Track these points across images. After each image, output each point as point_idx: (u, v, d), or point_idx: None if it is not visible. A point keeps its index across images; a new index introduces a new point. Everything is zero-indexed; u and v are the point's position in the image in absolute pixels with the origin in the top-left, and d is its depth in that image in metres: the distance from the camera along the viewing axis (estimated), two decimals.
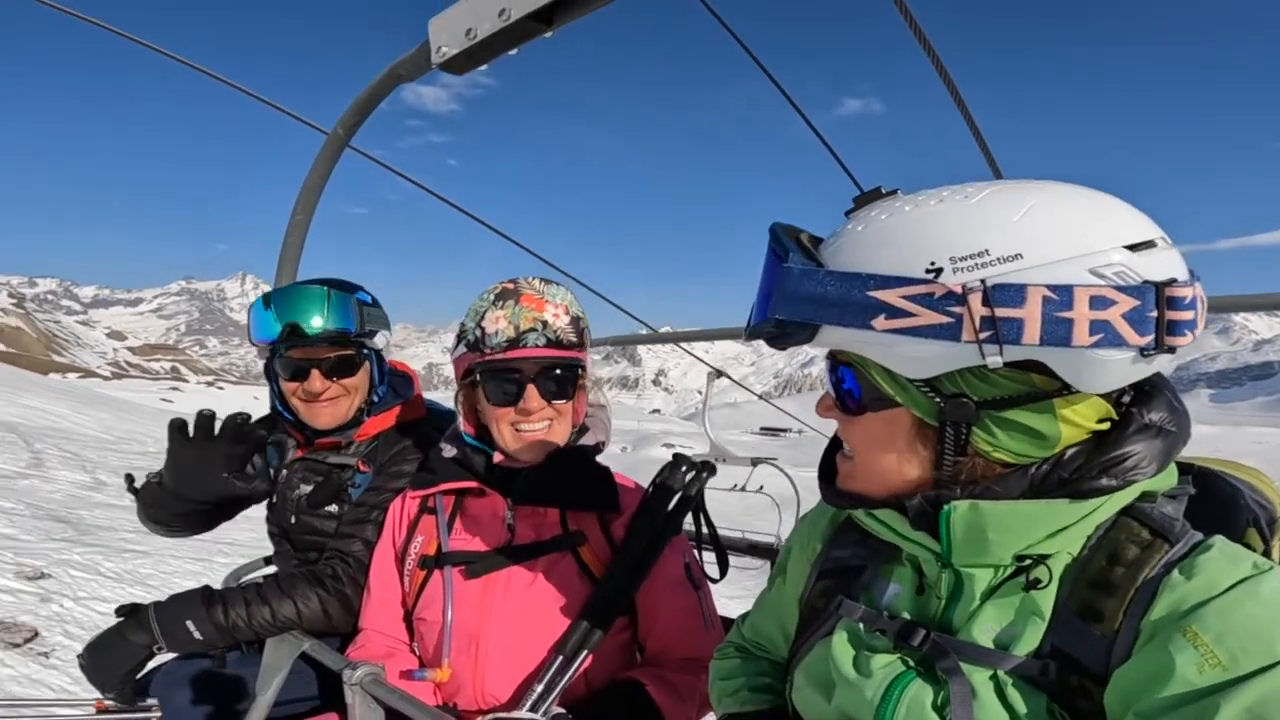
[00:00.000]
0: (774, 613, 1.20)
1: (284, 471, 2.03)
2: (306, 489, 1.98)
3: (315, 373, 1.89)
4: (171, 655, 1.80)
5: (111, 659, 1.65)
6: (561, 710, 1.46)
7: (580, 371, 1.65)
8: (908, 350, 0.78)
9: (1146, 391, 0.85)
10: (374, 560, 1.76)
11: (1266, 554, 0.98)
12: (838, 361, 0.90)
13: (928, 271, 0.76)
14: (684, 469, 1.69)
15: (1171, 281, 0.73)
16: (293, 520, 1.99)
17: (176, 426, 1.80)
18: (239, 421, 1.79)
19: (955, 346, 0.75)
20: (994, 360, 0.75)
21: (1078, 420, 0.80)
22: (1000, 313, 0.72)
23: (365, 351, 1.98)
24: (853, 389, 0.89)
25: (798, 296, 0.81)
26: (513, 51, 1.79)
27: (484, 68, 1.85)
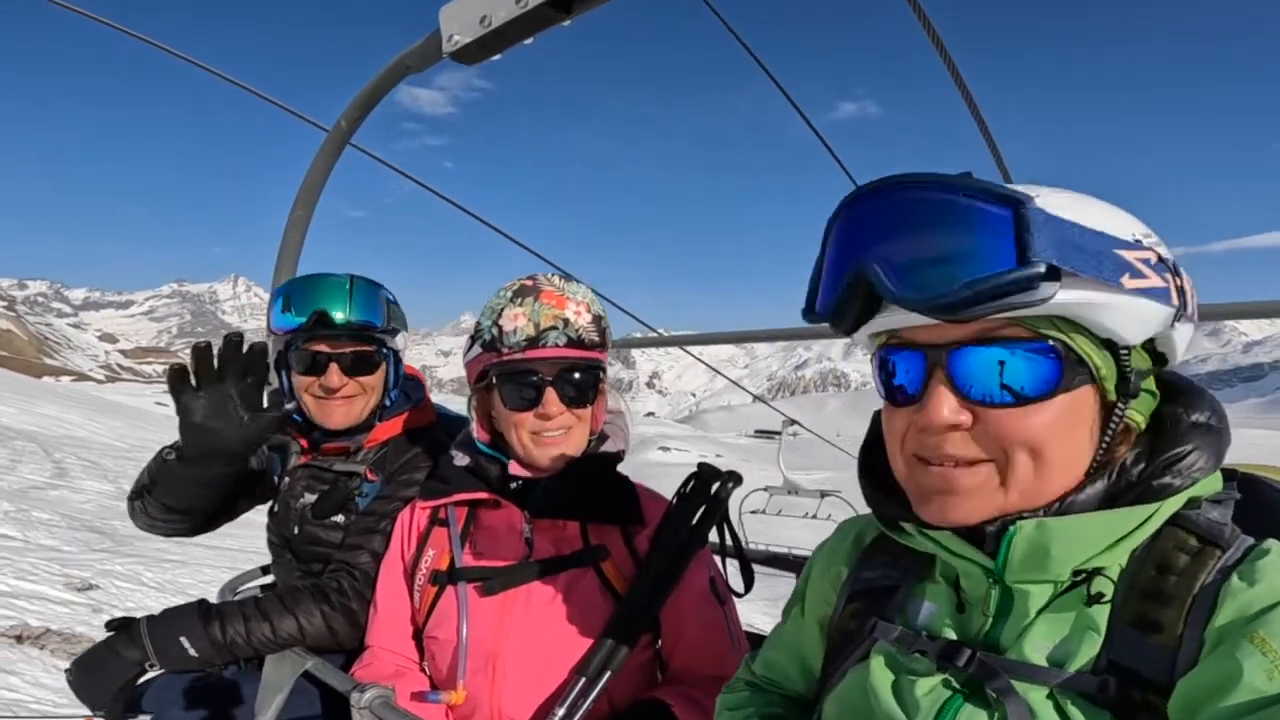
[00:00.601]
0: (791, 645, 1.13)
1: (286, 478, 1.95)
2: (311, 498, 1.89)
3: (334, 366, 1.81)
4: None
5: (102, 676, 1.56)
6: None
7: (601, 374, 1.58)
8: (1138, 312, 0.75)
9: (1183, 391, 0.86)
10: (381, 574, 1.68)
11: None
12: (999, 339, 0.75)
13: (1135, 240, 0.75)
14: (710, 479, 1.60)
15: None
16: (295, 530, 1.91)
17: (177, 373, 1.61)
18: (236, 342, 1.60)
19: (1164, 311, 0.76)
20: (1180, 328, 0.78)
21: (1156, 397, 0.85)
22: (1184, 283, 0.78)
23: (385, 350, 1.90)
24: (1041, 366, 0.75)
25: (1062, 240, 0.70)
26: (528, 40, 1.70)
27: (497, 58, 1.77)
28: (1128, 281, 0.72)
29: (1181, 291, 0.77)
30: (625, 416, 1.71)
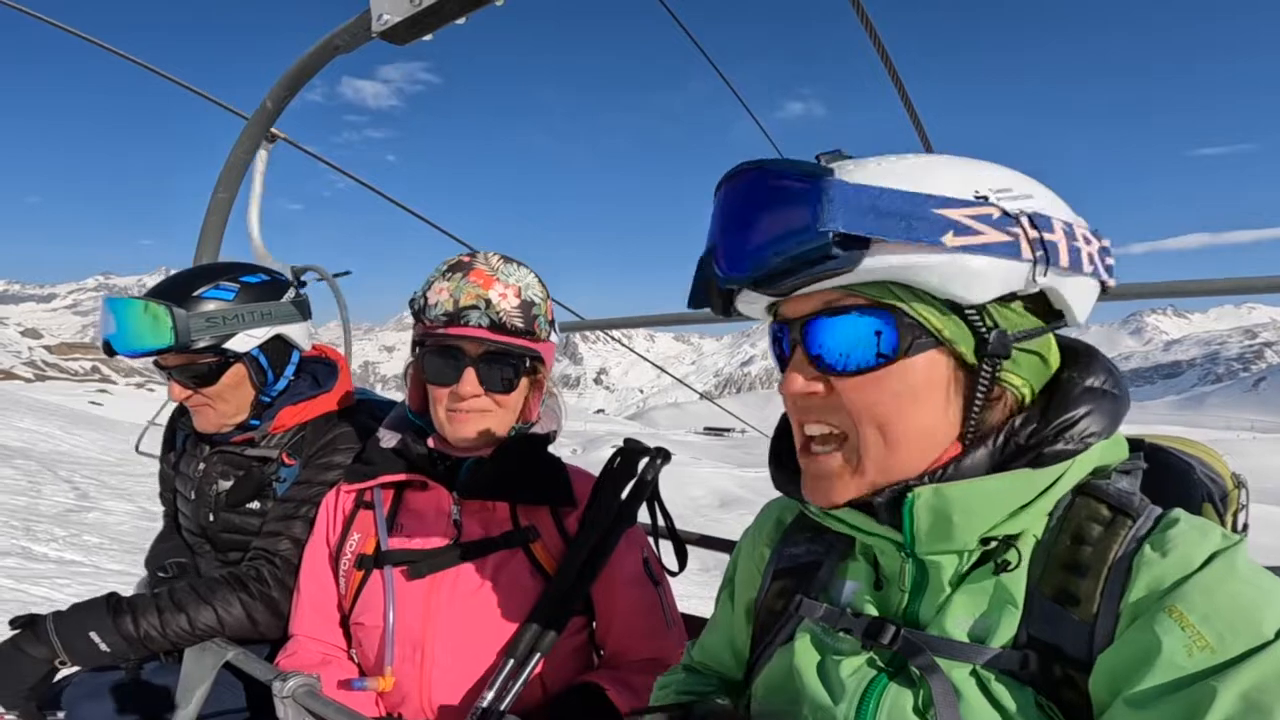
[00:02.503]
0: (723, 630, 1.13)
1: (201, 465, 1.88)
2: (226, 484, 1.83)
3: (174, 383, 1.77)
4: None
5: (9, 675, 1.49)
6: (514, 717, 1.38)
7: (530, 364, 1.54)
8: (971, 269, 0.73)
9: (1080, 356, 0.85)
10: (305, 560, 1.64)
11: None
12: (841, 307, 0.78)
13: (977, 197, 0.74)
14: (637, 455, 1.59)
15: (1099, 233, 0.82)
16: (211, 518, 1.84)
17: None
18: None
19: (1015, 265, 0.74)
20: (1042, 281, 0.75)
21: (1053, 360, 0.83)
22: (1045, 236, 0.75)
23: (228, 356, 1.78)
24: (879, 334, 0.77)
25: (856, 205, 0.71)
26: (461, 20, 1.67)
27: (429, 38, 1.74)
28: (950, 240, 0.71)
29: (1043, 244, 0.74)
30: (559, 399, 1.70)
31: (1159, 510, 0.80)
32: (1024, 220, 0.74)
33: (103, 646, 1.51)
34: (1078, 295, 0.79)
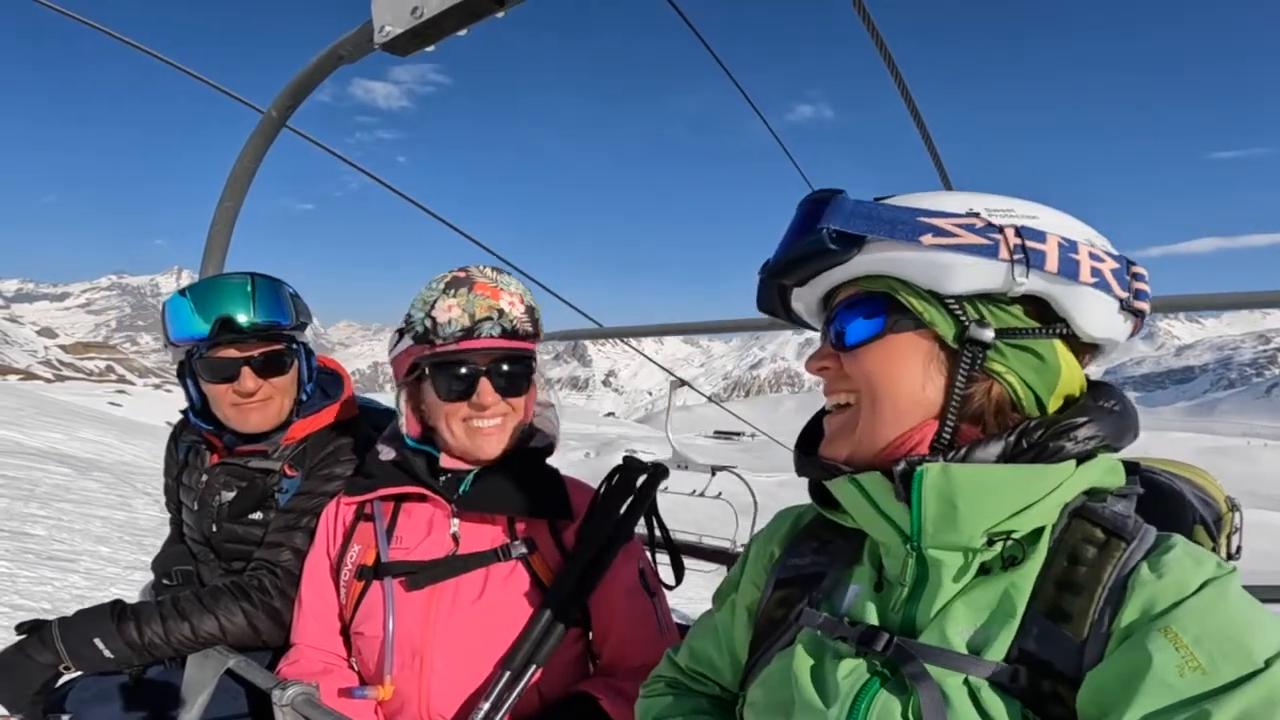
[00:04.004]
0: (721, 633, 1.14)
1: (204, 476, 1.89)
2: (229, 495, 1.84)
3: (246, 370, 1.76)
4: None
5: (15, 680, 1.51)
6: None
7: (533, 364, 1.58)
8: (946, 263, 0.84)
9: (1101, 387, 0.91)
10: (306, 570, 1.65)
11: (1214, 551, 1.01)
12: (854, 298, 0.93)
13: (969, 212, 0.85)
14: (635, 471, 1.61)
15: (1134, 263, 0.87)
16: (215, 529, 1.86)
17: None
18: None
19: (988, 264, 0.82)
20: (1022, 280, 0.82)
21: (1069, 368, 0.87)
22: (1030, 244, 0.82)
23: (295, 346, 1.86)
24: (875, 316, 0.91)
25: (854, 214, 0.87)
26: (462, 32, 1.69)
27: (431, 49, 1.75)
28: (928, 240, 0.83)
29: (1024, 249, 0.82)
30: (555, 410, 1.71)
31: (1155, 533, 0.82)
32: (1009, 230, 0.83)
33: (106, 653, 1.52)
34: (1083, 306, 0.84)
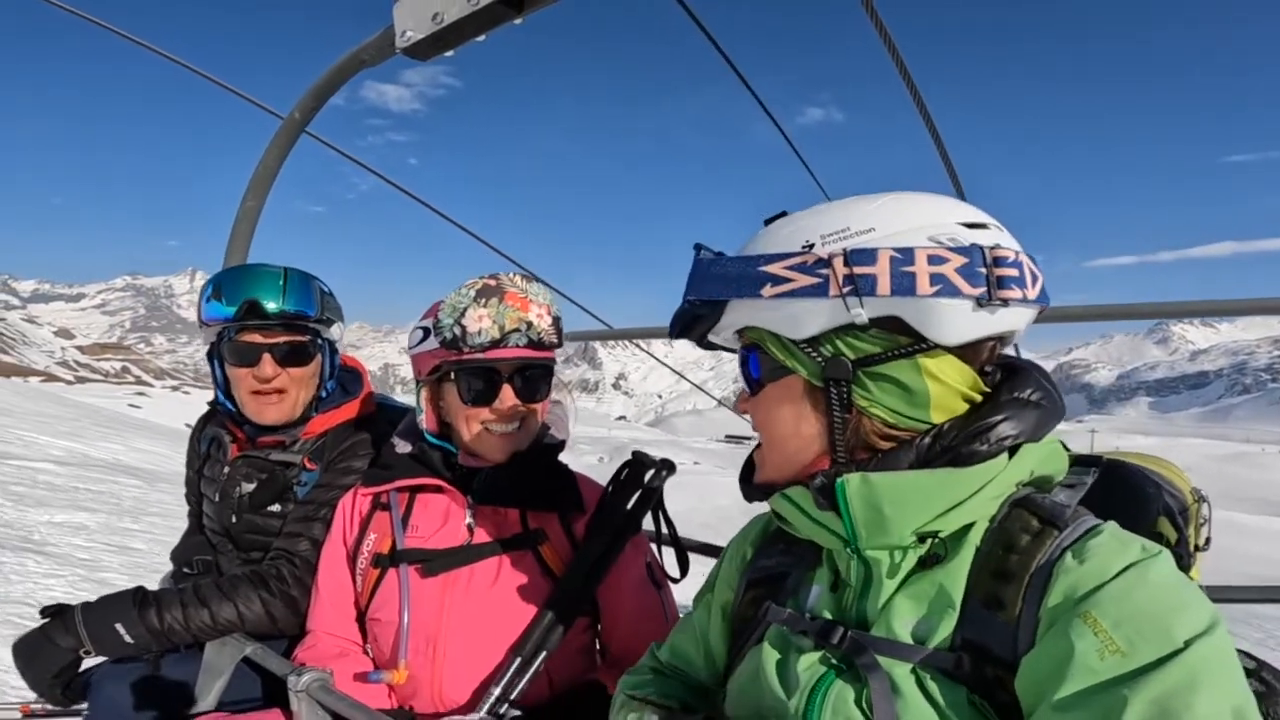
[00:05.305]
0: (699, 632, 1.19)
1: (226, 468, 1.94)
2: (249, 487, 1.88)
3: (267, 357, 1.79)
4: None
5: (37, 663, 1.56)
6: (519, 713, 1.42)
7: (552, 371, 1.62)
8: (790, 312, 0.88)
9: (1017, 372, 0.92)
10: (323, 559, 1.69)
11: (1180, 542, 1.05)
12: (744, 348, 0.99)
13: (803, 247, 0.88)
14: (644, 467, 1.65)
15: (996, 245, 0.84)
16: (234, 520, 1.90)
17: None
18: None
19: (826, 303, 0.85)
20: (857, 312, 0.84)
21: (943, 378, 0.86)
22: (858, 270, 0.84)
23: (320, 341, 1.90)
24: (754, 367, 0.98)
25: (708, 278, 0.94)
26: (481, 38, 1.73)
27: (450, 54, 1.79)
28: (768, 291, 0.88)
29: (853, 279, 0.83)
30: (566, 406, 1.75)
31: (1091, 522, 0.84)
32: (838, 262, 0.85)
33: (127, 638, 1.57)
34: (933, 317, 0.83)
